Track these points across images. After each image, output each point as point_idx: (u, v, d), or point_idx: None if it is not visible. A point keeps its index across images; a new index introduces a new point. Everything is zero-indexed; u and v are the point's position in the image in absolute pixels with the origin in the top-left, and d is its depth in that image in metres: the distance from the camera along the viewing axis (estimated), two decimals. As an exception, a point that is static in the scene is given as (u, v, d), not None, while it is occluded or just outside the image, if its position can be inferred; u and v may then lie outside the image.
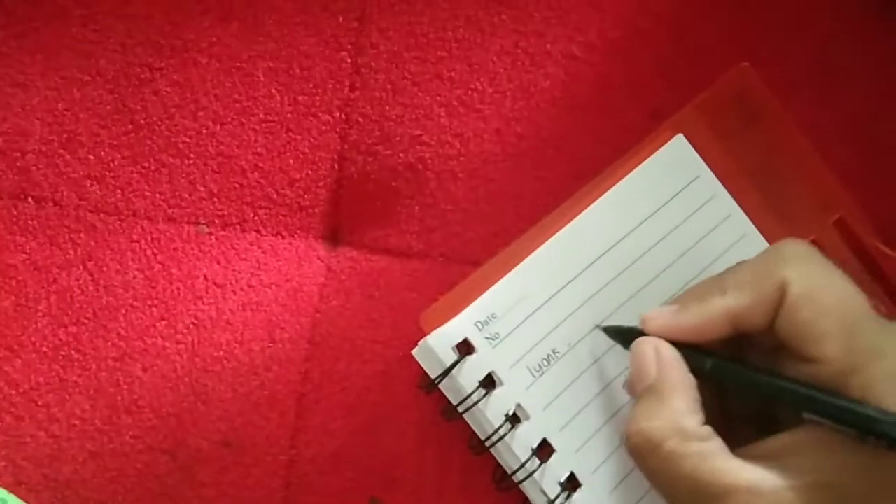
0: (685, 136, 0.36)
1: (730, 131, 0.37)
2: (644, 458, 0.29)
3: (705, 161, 0.36)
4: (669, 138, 0.36)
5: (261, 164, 0.37)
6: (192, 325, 0.36)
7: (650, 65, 0.38)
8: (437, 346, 0.34)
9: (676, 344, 0.30)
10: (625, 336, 0.32)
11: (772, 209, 0.37)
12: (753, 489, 0.27)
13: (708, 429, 0.28)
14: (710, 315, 0.30)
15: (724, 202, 0.36)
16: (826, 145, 0.38)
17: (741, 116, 0.38)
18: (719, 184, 0.36)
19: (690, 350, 0.30)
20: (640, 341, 0.31)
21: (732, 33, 0.39)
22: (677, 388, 0.29)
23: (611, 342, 0.34)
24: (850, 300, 0.28)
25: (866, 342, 0.27)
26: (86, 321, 0.36)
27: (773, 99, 0.38)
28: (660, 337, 0.30)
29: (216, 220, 0.37)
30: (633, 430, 0.29)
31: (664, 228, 0.36)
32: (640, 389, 0.30)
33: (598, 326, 0.34)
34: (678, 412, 0.28)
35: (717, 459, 0.27)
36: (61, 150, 0.37)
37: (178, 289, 0.37)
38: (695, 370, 0.30)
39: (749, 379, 0.29)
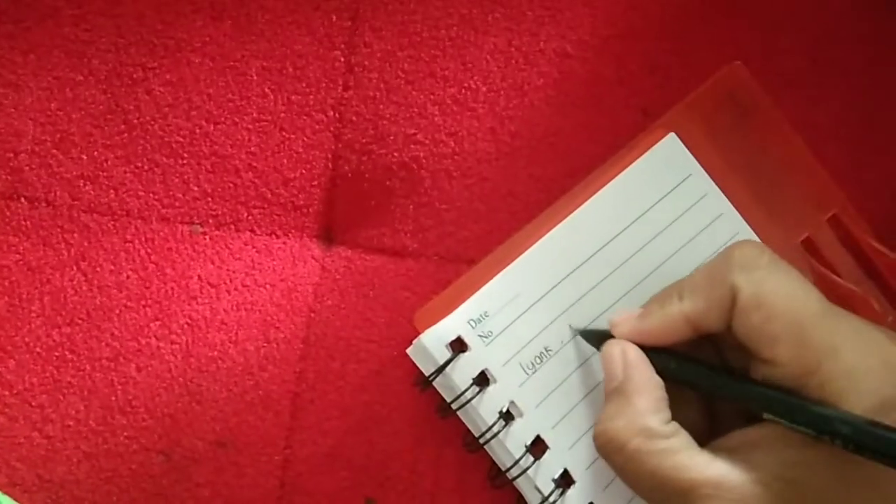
0: (677, 134, 0.36)
1: (722, 129, 0.37)
2: (610, 457, 0.30)
3: (697, 159, 0.37)
4: (662, 137, 0.36)
5: (254, 164, 0.37)
6: (186, 325, 0.36)
7: (642, 63, 0.39)
8: (430, 345, 0.34)
9: (645, 348, 0.31)
10: (598, 339, 0.33)
11: (765, 207, 0.37)
12: (718, 484, 0.27)
13: (673, 426, 0.29)
14: (670, 319, 0.30)
15: (717, 200, 0.36)
16: (819, 143, 0.38)
17: (733, 114, 0.38)
18: (712, 182, 0.37)
19: (658, 352, 0.31)
20: (608, 344, 0.31)
21: (724, 31, 0.39)
22: (641, 389, 0.30)
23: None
24: (799, 302, 0.28)
25: (819, 342, 0.27)
26: (79, 322, 0.36)
27: (765, 97, 0.38)
28: (628, 340, 0.31)
29: (210, 220, 0.37)
30: (598, 431, 0.30)
31: (657, 226, 0.36)
32: (607, 391, 0.31)
33: (574, 329, 0.35)
34: (641, 411, 0.29)
35: (681, 456, 0.28)
36: (54, 150, 0.37)
37: (172, 289, 0.37)
38: (662, 372, 0.30)
39: (708, 380, 0.30)
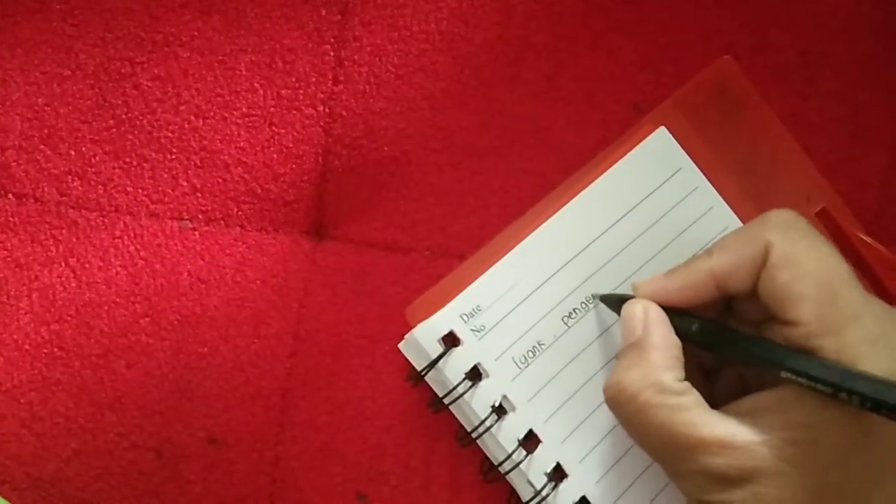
0: (668, 128, 0.37)
1: (712, 123, 0.37)
2: (620, 408, 0.30)
3: (688, 153, 0.37)
4: (652, 131, 0.36)
5: (244, 159, 0.37)
6: (176, 322, 0.36)
7: (633, 57, 0.39)
8: (422, 339, 0.34)
9: (667, 310, 0.31)
10: (620, 303, 0.33)
11: (754, 200, 0.37)
12: (726, 442, 0.27)
13: (685, 384, 0.29)
14: (696, 276, 0.31)
15: (707, 194, 0.37)
16: (808, 137, 0.38)
17: (723, 108, 0.38)
18: (702, 175, 0.37)
19: (679, 314, 0.31)
20: (631, 302, 0.32)
21: (714, 26, 0.39)
22: (658, 345, 0.30)
23: (595, 332, 0.35)
24: (830, 267, 0.29)
25: (845, 305, 0.28)
26: (68, 318, 0.36)
27: (754, 91, 0.38)
28: (650, 300, 0.32)
29: (199, 216, 0.37)
30: (611, 382, 0.30)
31: (647, 220, 0.36)
32: (623, 346, 0.31)
33: (594, 295, 0.35)
34: (656, 366, 0.29)
35: (691, 412, 0.28)
36: (42, 146, 0.36)
37: (161, 285, 0.36)
38: (682, 334, 0.31)
39: (731, 339, 0.30)
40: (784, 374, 0.28)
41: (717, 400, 0.30)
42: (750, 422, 0.28)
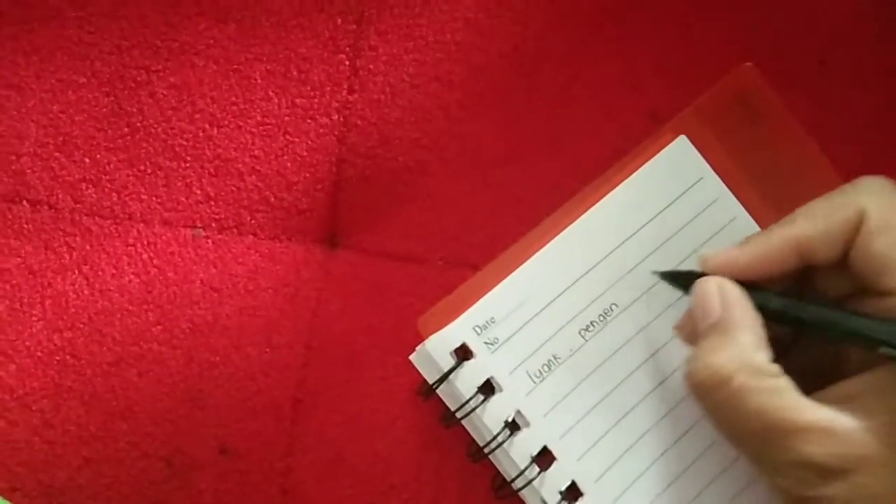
0: (688, 137, 0.36)
1: (733, 132, 0.37)
2: (709, 394, 0.28)
3: (709, 162, 0.36)
4: (672, 140, 0.36)
5: (258, 168, 0.37)
6: (188, 330, 0.36)
7: (649, 66, 0.38)
8: (435, 351, 0.33)
9: (740, 284, 0.29)
10: (684, 279, 0.31)
11: (776, 210, 0.36)
12: (827, 429, 0.26)
13: (778, 366, 0.27)
14: (776, 245, 0.29)
15: (729, 204, 0.36)
16: (830, 145, 0.37)
17: (744, 117, 0.37)
18: (723, 185, 0.36)
19: (755, 289, 0.29)
20: (704, 280, 0.30)
21: (731, 34, 0.38)
22: (744, 324, 0.28)
23: (614, 346, 0.34)
24: None
25: None
26: (81, 326, 0.36)
27: (776, 99, 0.37)
28: (721, 275, 0.29)
29: (213, 224, 0.37)
30: (698, 366, 0.28)
31: (668, 231, 0.35)
32: (702, 328, 0.29)
33: (654, 272, 0.33)
34: (747, 347, 0.27)
35: (788, 397, 0.26)
36: (56, 153, 0.36)
37: (174, 293, 0.36)
38: (762, 309, 0.28)
39: (821, 315, 0.28)
40: (883, 350, 0.26)
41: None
42: (847, 408, 0.26)
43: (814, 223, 0.28)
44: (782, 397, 0.26)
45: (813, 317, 0.28)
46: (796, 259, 0.29)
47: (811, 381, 0.28)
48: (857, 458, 0.25)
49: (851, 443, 0.25)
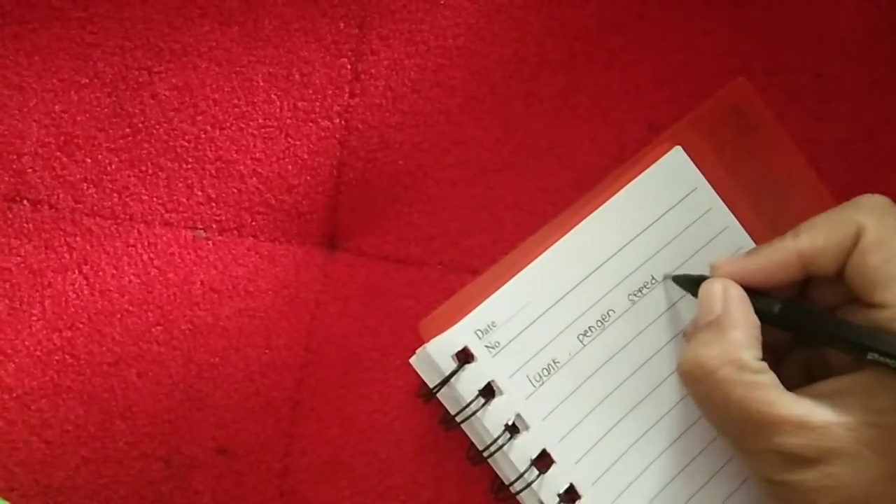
0: (683, 147, 0.37)
1: (727, 144, 0.38)
2: (696, 383, 0.30)
3: (703, 173, 0.37)
4: (668, 150, 0.37)
5: (259, 170, 0.37)
6: (187, 331, 0.36)
7: (648, 76, 0.39)
8: (436, 355, 0.34)
9: (746, 290, 0.31)
10: (694, 283, 0.33)
11: (768, 221, 0.37)
12: (803, 422, 0.27)
13: (763, 364, 0.29)
14: (782, 256, 0.31)
15: (721, 214, 0.37)
16: (822, 158, 0.38)
17: (738, 129, 0.38)
18: (716, 196, 0.37)
19: (758, 295, 0.31)
20: (710, 281, 0.32)
21: (730, 47, 0.39)
22: (738, 323, 0.30)
23: (611, 351, 0.35)
24: None
25: None
26: (80, 326, 0.36)
27: (769, 112, 0.38)
28: (729, 279, 0.32)
29: (213, 226, 0.37)
30: (688, 357, 0.30)
31: (662, 239, 0.36)
32: (701, 324, 0.31)
33: (665, 275, 0.35)
34: (735, 343, 0.29)
35: (768, 391, 0.28)
36: (58, 153, 0.36)
37: (174, 294, 0.36)
38: (762, 314, 0.31)
39: (816, 320, 0.30)
40: (871, 356, 0.28)
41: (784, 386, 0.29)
42: (829, 403, 0.28)
43: (816, 237, 0.30)
44: (763, 391, 0.28)
45: (808, 324, 0.30)
46: (800, 270, 0.31)
47: (806, 379, 0.30)
48: (829, 450, 0.27)
49: (826, 436, 0.27)
